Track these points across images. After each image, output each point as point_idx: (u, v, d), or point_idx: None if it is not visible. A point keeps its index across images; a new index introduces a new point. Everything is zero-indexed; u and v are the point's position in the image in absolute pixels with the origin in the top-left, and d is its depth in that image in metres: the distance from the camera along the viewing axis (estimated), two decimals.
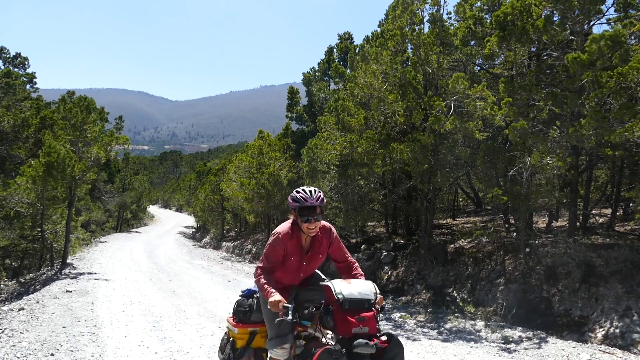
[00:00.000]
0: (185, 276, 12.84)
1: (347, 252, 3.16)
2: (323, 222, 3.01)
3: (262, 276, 2.93)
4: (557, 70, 7.92)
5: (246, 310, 3.25)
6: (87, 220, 23.90)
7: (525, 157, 7.52)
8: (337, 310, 2.53)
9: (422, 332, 7.19)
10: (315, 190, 2.86)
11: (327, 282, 2.67)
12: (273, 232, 3.00)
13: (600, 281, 6.87)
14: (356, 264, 3.14)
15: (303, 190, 2.87)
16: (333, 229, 3.10)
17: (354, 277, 3.00)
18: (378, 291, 2.66)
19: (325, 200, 2.89)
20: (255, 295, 3.29)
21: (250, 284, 11.53)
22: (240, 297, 3.39)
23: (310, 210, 2.82)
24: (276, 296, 2.75)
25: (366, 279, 2.94)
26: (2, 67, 19.51)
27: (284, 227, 2.99)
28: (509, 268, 8.25)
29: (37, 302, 8.90)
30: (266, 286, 2.84)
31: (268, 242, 2.99)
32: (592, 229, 8.94)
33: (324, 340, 2.76)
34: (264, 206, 16.69)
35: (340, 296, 2.53)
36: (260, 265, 2.99)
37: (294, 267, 3.01)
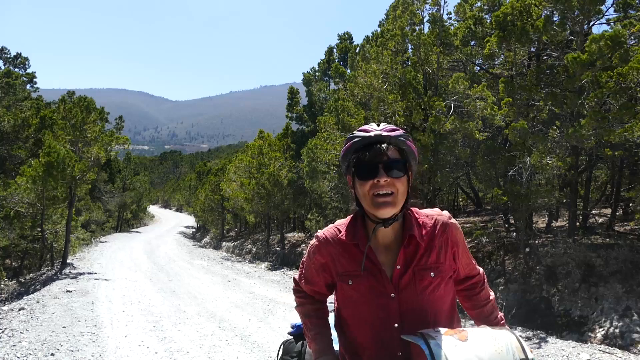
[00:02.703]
0: (185, 276, 12.84)
1: (475, 262, 1.61)
2: (432, 211, 1.51)
3: (300, 301, 1.66)
4: (557, 70, 7.92)
5: None
6: (87, 220, 23.90)
7: (525, 157, 7.53)
8: None
9: None
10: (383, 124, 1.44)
11: (418, 339, 1.28)
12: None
13: (600, 281, 6.87)
14: (484, 284, 1.63)
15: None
16: (454, 222, 1.51)
17: (485, 317, 1.58)
18: (530, 354, 1.26)
19: (411, 142, 1.42)
20: None
21: (250, 285, 11.55)
22: (288, 338, 2.17)
23: (374, 152, 1.36)
24: (319, 346, 1.56)
25: None
26: (3, 68, 19.52)
27: (334, 223, 1.56)
28: (509, 268, 8.25)
29: (37, 302, 8.91)
30: (308, 323, 1.62)
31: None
32: (592, 229, 8.94)
33: None
34: (264, 206, 16.70)
35: None
36: (296, 278, 1.68)
37: (372, 307, 1.41)
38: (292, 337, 2.12)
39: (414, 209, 1.50)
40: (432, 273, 1.40)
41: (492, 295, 1.63)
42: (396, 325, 1.38)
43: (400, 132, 1.41)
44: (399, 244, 1.43)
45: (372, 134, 1.39)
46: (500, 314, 1.62)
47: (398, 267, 1.40)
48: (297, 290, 1.67)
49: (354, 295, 1.43)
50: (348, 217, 1.53)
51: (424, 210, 1.52)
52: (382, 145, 1.37)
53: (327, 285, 1.57)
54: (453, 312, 1.51)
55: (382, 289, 1.39)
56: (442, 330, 1.30)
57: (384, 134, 1.38)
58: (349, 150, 1.42)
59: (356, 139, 1.41)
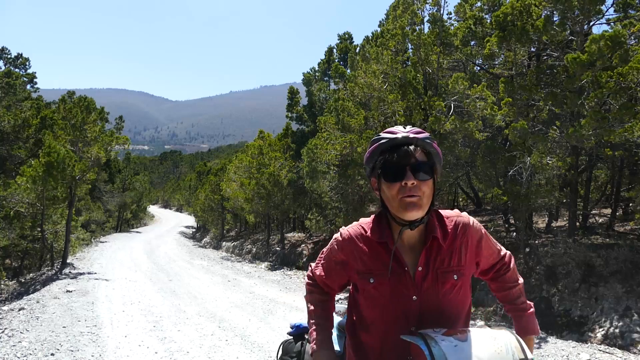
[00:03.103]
0: (185, 276, 12.84)
1: (500, 247, 1.58)
2: (452, 212, 1.50)
3: (310, 289, 1.67)
4: (557, 71, 7.92)
5: None
6: (87, 220, 23.91)
7: (525, 157, 7.53)
8: None
9: None
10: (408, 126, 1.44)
11: (418, 339, 1.26)
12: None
13: (600, 281, 6.87)
14: (509, 266, 1.58)
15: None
16: (474, 222, 1.49)
17: (511, 301, 1.56)
18: (529, 354, 1.25)
19: (436, 145, 1.41)
20: (306, 336, 2.02)
21: (250, 285, 11.55)
22: (287, 338, 2.11)
23: (402, 154, 1.34)
24: (320, 336, 1.56)
25: None
26: (3, 68, 19.52)
27: (358, 221, 1.56)
28: None
29: (37, 302, 8.91)
30: (312, 312, 1.62)
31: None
32: (592, 229, 8.94)
33: None
34: (264, 206, 16.70)
35: None
36: (312, 266, 1.69)
37: (391, 307, 1.39)
38: (292, 337, 2.08)
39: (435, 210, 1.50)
40: (455, 276, 1.39)
41: (520, 280, 1.60)
42: (413, 328, 1.36)
43: (427, 134, 1.40)
44: (422, 245, 1.41)
45: (399, 135, 1.37)
46: (530, 302, 1.57)
47: (420, 268, 1.38)
48: (310, 278, 1.67)
49: (374, 295, 1.41)
50: (371, 216, 1.53)
51: (443, 211, 1.51)
52: (410, 147, 1.35)
53: (339, 283, 1.57)
54: (469, 314, 1.50)
55: (405, 291, 1.37)
56: (442, 330, 1.29)
57: (411, 135, 1.37)
58: (374, 151, 1.41)
59: (383, 141, 1.39)
